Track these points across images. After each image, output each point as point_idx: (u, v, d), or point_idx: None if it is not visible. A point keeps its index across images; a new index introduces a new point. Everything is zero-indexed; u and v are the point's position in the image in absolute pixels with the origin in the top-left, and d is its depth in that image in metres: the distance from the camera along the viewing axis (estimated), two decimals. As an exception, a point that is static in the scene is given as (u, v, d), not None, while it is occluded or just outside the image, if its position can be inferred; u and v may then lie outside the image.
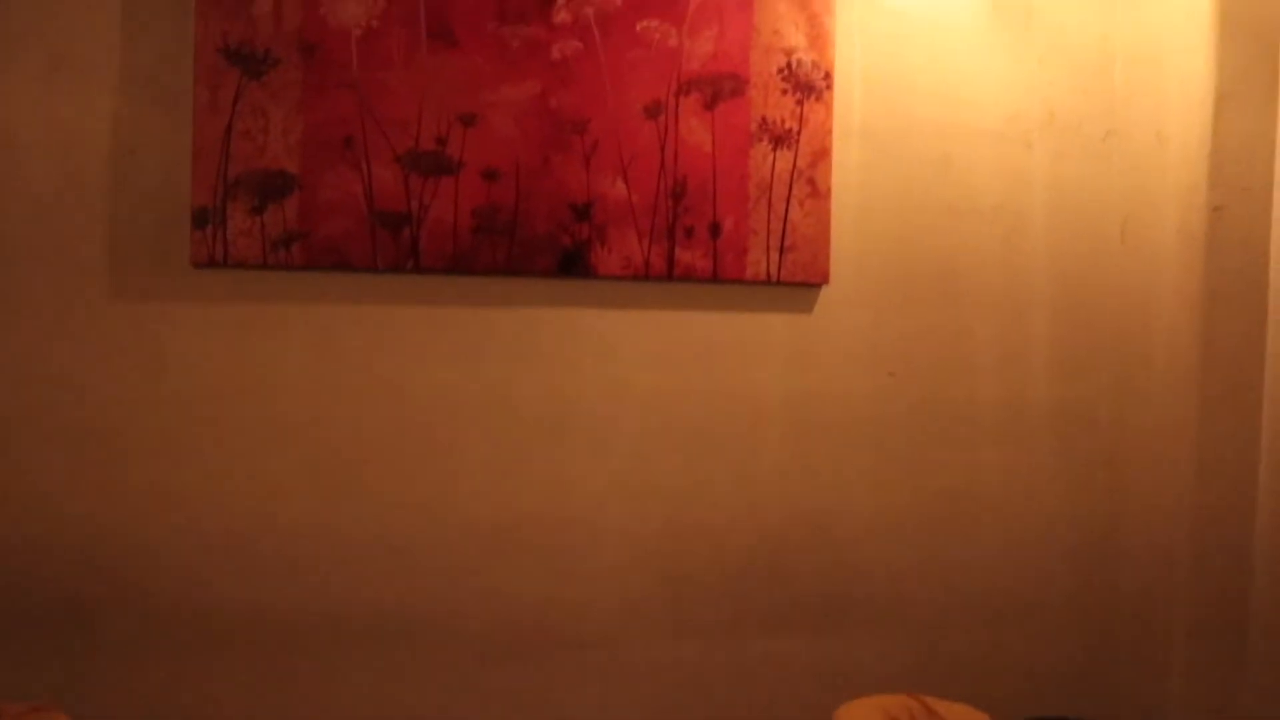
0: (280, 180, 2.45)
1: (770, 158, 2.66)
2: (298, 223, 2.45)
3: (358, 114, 2.46)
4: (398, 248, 2.48)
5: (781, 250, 2.67)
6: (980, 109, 2.86)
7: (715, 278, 2.64)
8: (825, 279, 2.71)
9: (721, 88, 2.63)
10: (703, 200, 2.62)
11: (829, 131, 2.71)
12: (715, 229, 2.63)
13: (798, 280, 2.69)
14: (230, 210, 2.44)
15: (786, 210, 2.67)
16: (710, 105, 2.63)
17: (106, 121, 2.43)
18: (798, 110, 2.68)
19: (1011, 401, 2.91)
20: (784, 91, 2.67)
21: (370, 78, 2.46)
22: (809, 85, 2.68)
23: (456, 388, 2.55)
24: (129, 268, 2.43)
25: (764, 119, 2.66)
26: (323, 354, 2.50)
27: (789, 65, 2.67)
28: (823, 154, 2.70)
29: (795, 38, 2.68)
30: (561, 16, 2.55)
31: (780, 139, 2.67)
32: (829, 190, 2.70)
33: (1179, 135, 2.98)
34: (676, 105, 2.61)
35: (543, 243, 2.54)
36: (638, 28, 2.59)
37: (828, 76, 2.70)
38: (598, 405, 2.62)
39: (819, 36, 2.69)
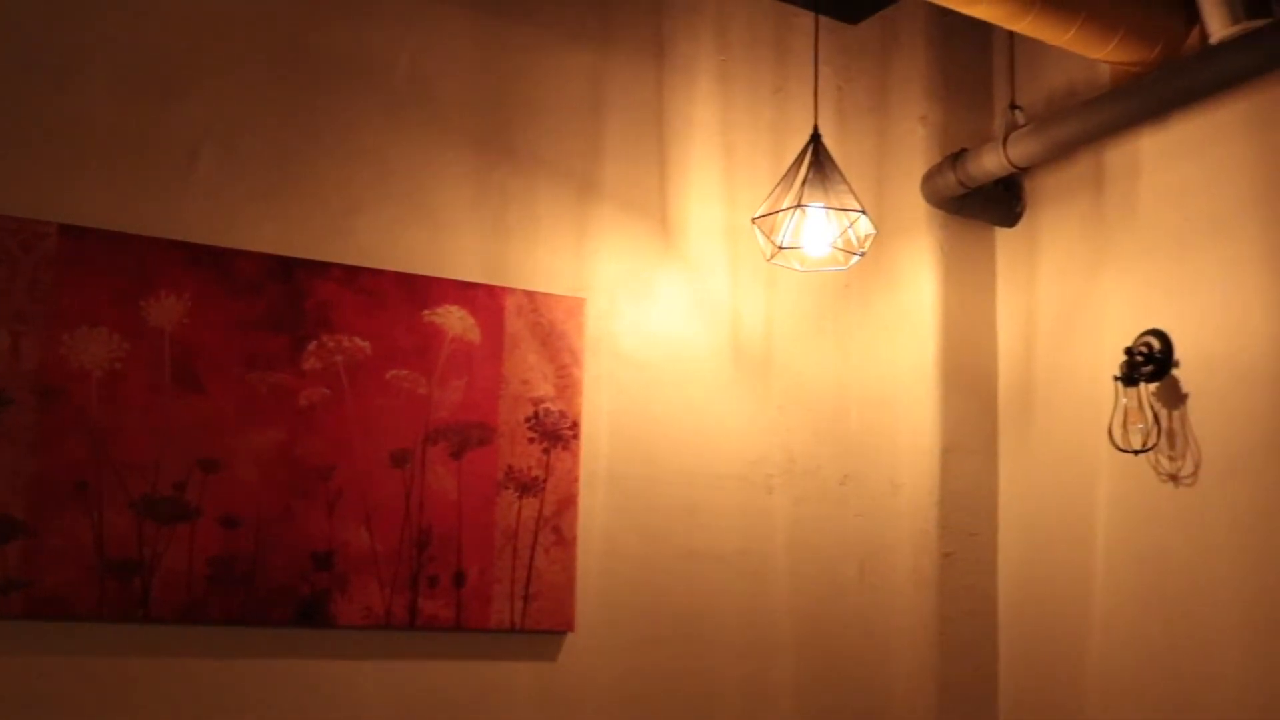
0: (4, 526, 2.60)
1: (516, 506, 2.98)
2: (20, 571, 2.58)
3: (93, 458, 2.66)
4: (127, 597, 2.64)
5: (526, 598, 2.96)
6: (724, 455, 3.27)
7: (458, 626, 2.89)
8: (570, 626, 3.01)
9: (469, 436, 2.96)
10: (447, 549, 2.90)
11: (575, 479, 3.05)
12: (459, 578, 2.90)
13: (543, 628, 2.98)
14: (-54, 556, 2.56)
15: (532, 558, 2.97)
16: (457, 454, 2.94)
17: None
18: (544, 459, 3.02)
19: (758, 744, 3.22)
20: (531, 440, 3.02)
21: (109, 421, 2.67)
22: (556, 434, 3.04)
23: (182, 744, 2.68)
24: None
25: (511, 467, 2.99)
26: (41, 709, 2.60)
27: (537, 414, 3.03)
28: (569, 501, 3.04)
29: (544, 388, 3.05)
30: (311, 364, 2.85)
31: (527, 487, 3.00)
32: (575, 537, 3.03)
33: (911, 482, 3.46)
34: (424, 453, 2.91)
35: (281, 592, 2.76)
36: (387, 376, 2.91)
37: (575, 425, 3.07)
38: (333, 762, 2.80)
39: (567, 387, 3.07)
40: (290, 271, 2.86)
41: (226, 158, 2.87)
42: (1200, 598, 2.97)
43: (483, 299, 3.03)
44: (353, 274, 2.92)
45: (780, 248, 3.08)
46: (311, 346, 2.86)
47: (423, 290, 2.97)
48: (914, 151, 3.63)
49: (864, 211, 3.03)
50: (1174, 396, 3.09)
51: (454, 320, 2.99)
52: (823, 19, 3.33)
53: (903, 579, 3.43)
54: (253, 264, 2.84)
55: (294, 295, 2.86)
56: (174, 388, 2.74)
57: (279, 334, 2.83)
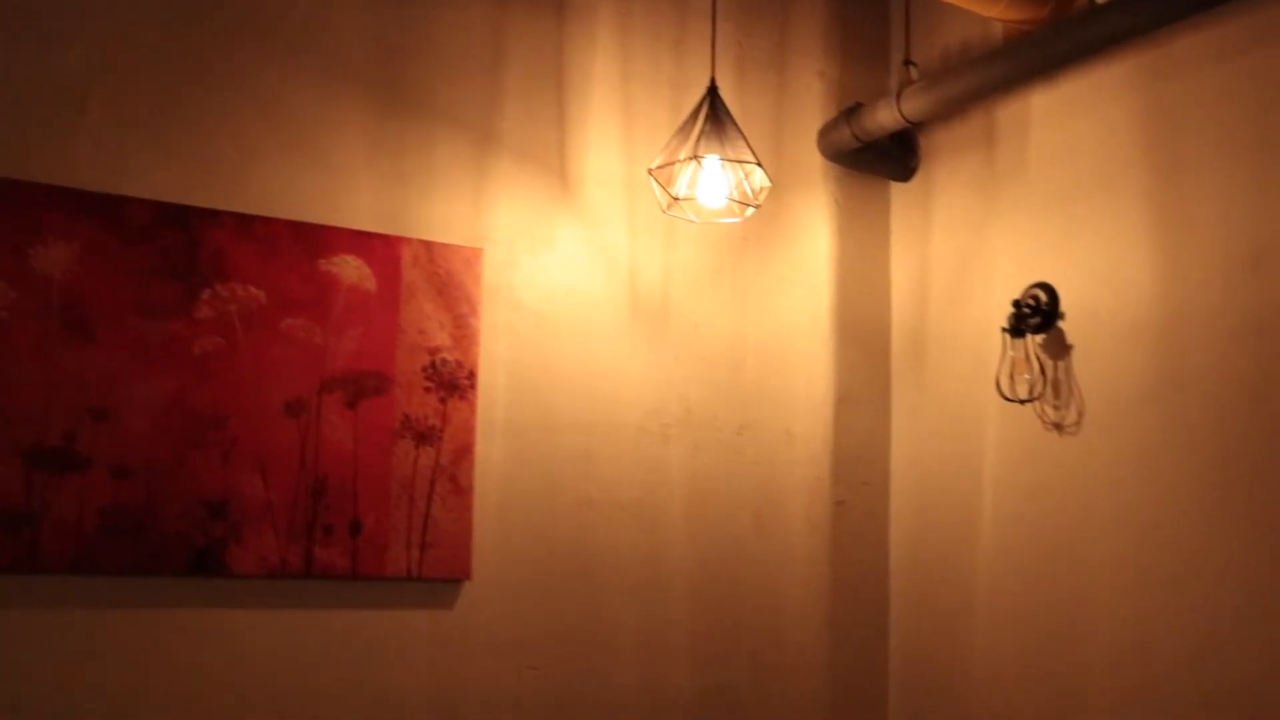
0: (-112, 476, 2.55)
1: (413, 455, 2.97)
2: (-96, 521, 2.54)
3: (-21, 407, 2.61)
4: (15, 548, 2.60)
5: (423, 547, 2.96)
6: (621, 404, 3.28)
7: (355, 575, 2.89)
8: (467, 574, 3.01)
9: (365, 386, 2.94)
10: (343, 498, 2.89)
11: (472, 429, 3.05)
12: (356, 526, 2.89)
13: (439, 576, 2.98)
14: None
15: (428, 507, 2.97)
16: (353, 403, 2.92)
17: None
18: (441, 408, 3.01)
19: (652, 690, 3.25)
20: (428, 389, 3.01)
21: (-5, 370, 2.62)
22: (453, 383, 3.03)
23: (78, 695, 2.65)
24: None
25: (407, 416, 2.98)
26: (-75, 661, 2.57)
27: (433, 364, 3.02)
28: (466, 451, 3.03)
29: (440, 337, 3.03)
30: (204, 312, 2.81)
31: (423, 436, 2.99)
32: (472, 486, 3.03)
33: (805, 432, 3.50)
34: (319, 403, 2.89)
35: (175, 541, 2.73)
36: (282, 325, 2.88)
37: (471, 375, 3.06)
38: (230, 711, 2.78)
39: (464, 336, 3.06)
40: (183, 219, 2.82)
41: (116, 104, 2.81)
42: (1080, 540, 3.05)
43: (379, 248, 3.00)
44: (247, 222, 2.88)
45: (676, 199, 3.08)
46: (205, 295, 2.82)
47: (318, 239, 2.94)
48: (811, 107, 3.65)
49: (759, 164, 3.04)
50: (1059, 348, 3.15)
51: (350, 269, 2.96)
52: (723, -27, 3.33)
53: (797, 526, 3.48)
54: (144, 211, 2.79)
55: (187, 243, 2.81)
56: (63, 336, 2.69)
57: (172, 282, 2.79)
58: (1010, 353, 3.22)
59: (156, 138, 2.84)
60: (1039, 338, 3.19)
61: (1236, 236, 2.78)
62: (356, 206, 3.02)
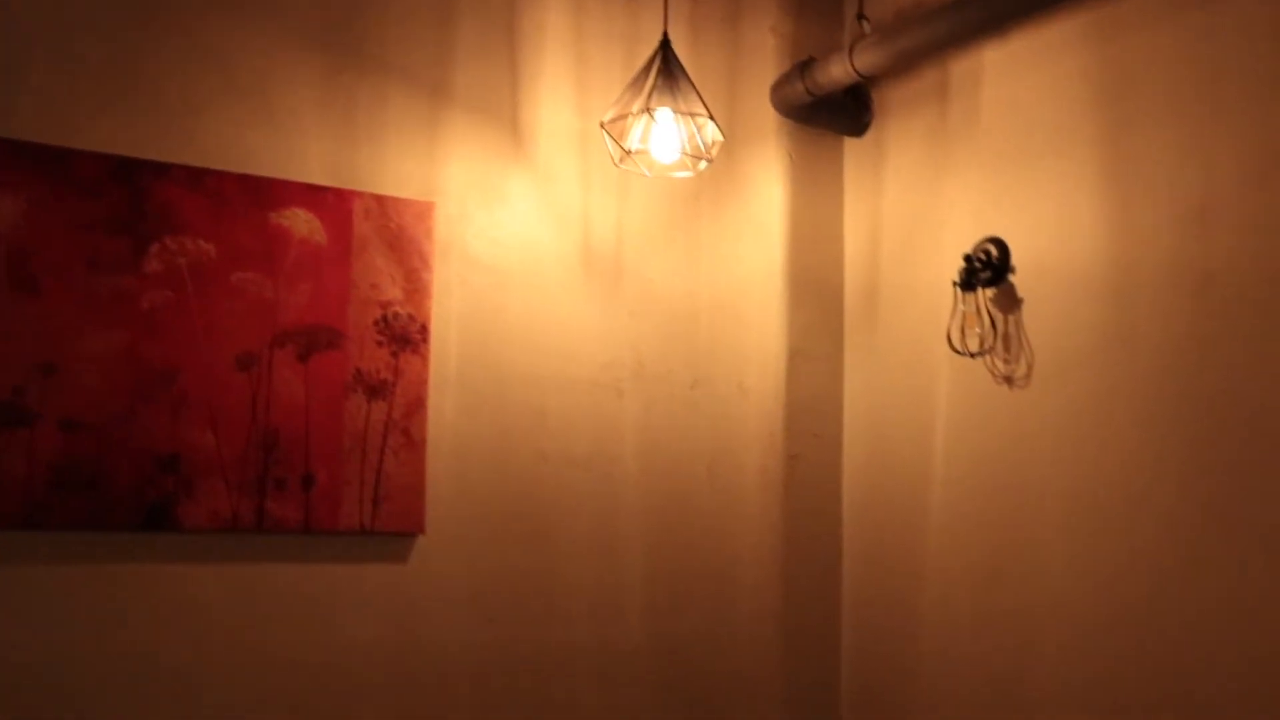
0: None
1: (365, 409, 2.96)
2: None
3: (-75, 362, 2.58)
4: (-37, 503, 2.58)
5: (376, 500, 2.95)
6: (575, 359, 3.28)
7: (307, 529, 2.88)
8: (421, 528, 3.01)
9: (317, 339, 2.93)
10: (295, 451, 2.88)
11: (425, 382, 3.04)
12: (308, 480, 2.89)
13: (392, 530, 2.98)
14: None
15: (381, 461, 2.96)
16: (304, 357, 2.91)
17: None
18: (394, 362, 3.00)
19: (607, 641, 3.26)
20: (380, 344, 2.99)
21: (-59, 324, 2.60)
22: (405, 338, 3.02)
23: (26, 654, 2.64)
24: None
25: (359, 370, 2.97)
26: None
27: (385, 318, 3.01)
28: (418, 405, 3.03)
29: (392, 291, 3.02)
30: (153, 266, 2.79)
31: (376, 390, 2.98)
32: (424, 440, 3.03)
33: (758, 386, 3.52)
34: (270, 357, 2.88)
35: (126, 496, 2.72)
36: (232, 279, 2.86)
37: (424, 329, 3.05)
38: (182, 667, 2.77)
39: (416, 290, 3.05)
40: (131, 172, 2.79)
41: (62, 55, 2.77)
42: (1030, 490, 3.08)
43: (330, 202, 2.98)
44: (196, 175, 2.85)
45: (629, 153, 3.07)
46: (154, 248, 2.79)
47: (268, 192, 2.92)
48: (765, 62, 3.64)
49: (712, 117, 3.03)
50: (1010, 302, 3.17)
51: (300, 223, 2.94)
52: (675, -73, 3.31)
53: (750, 479, 3.49)
54: (92, 164, 2.76)
55: (135, 196, 2.79)
56: (10, 290, 2.66)
57: (120, 236, 2.77)
58: (961, 307, 3.24)
59: (103, 90, 2.81)
60: (990, 292, 3.20)
61: (1184, 191, 2.80)
62: (307, 160, 3.00)
